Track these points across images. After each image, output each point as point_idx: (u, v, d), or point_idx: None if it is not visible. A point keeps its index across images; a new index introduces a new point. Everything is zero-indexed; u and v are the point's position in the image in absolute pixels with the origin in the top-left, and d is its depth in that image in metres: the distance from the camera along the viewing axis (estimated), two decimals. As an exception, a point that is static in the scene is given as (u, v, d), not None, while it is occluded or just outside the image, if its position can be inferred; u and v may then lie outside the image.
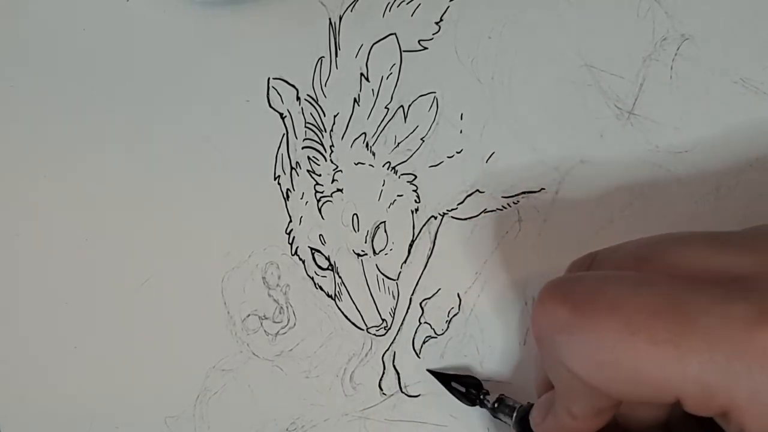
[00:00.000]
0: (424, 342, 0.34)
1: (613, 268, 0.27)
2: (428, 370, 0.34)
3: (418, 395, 0.34)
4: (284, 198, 0.35)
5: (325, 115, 0.35)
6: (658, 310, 0.23)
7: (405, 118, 0.35)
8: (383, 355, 0.34)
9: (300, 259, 0.35)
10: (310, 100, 0.35)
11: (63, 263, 0.37)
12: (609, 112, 0.34)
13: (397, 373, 0.34)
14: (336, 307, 0.35)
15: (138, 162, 0.36)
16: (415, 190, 0.35)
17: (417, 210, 0.35)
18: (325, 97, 0.35)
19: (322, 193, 0.35)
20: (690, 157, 0.33)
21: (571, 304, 0.24)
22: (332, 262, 0.35)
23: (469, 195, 0.34)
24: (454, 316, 0.34)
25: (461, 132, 0.34)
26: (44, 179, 0.37)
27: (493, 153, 0.34)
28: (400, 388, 0.34)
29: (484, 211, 0.34)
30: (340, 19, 0.36)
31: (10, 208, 0.37)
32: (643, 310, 0.23)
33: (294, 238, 0.35)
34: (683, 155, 0.33)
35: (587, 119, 0.34)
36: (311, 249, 0.35)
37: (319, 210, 0.35)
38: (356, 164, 0.35)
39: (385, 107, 0.35)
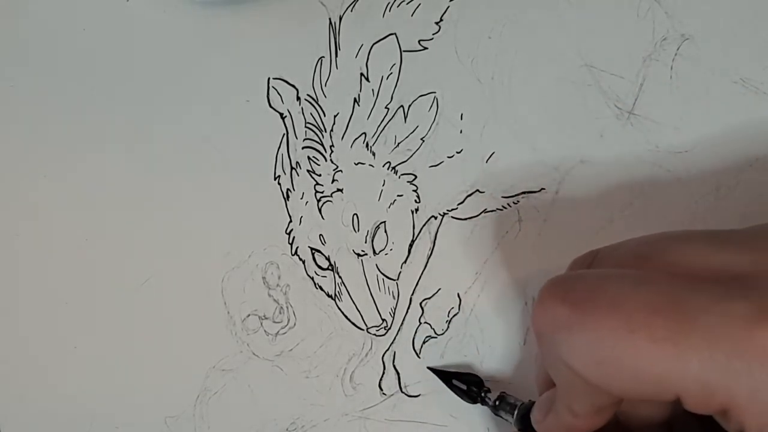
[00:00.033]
0: (424, 342, 0.34)
1: (614, 266, 0.27)
2: (429, 368, 0.34)
3: (418, 395, 0.34)
4: (284, 198, 0.35)
5: (325, 115, 0.35)
6: (658, 308, 0.23)
7: (405, 118, 0.35)
8: (383, 355, 0.34)
9: (300, 259, 0.35)
10: (310, 100, 0.35)
11: (63, 263, 0.37)
12: (609, 112, 0.34)
13: (397, 373, 0.34)
14: (336, 307, 0.35)
15: (138, 162, 0.36)
16: (415, 190, 0.35)
17: (417, 210, 0.35)
18: (325, 97, 0.35)
19: (322, 193, 0.35)
20: (690, 157, 0.33)
21: (571, 301, 0.24)
22: (332, 262, 0.35)
23: (469, 195, 0.34)
24: (454, 316, 0.34)
25: (461, 132, 0.34)
26: (44, 179, 0.37)
27: (493, 153, 0.34)
28: (400, 388, 0.34)
29: (484, 211, 0.34)
30: (340, 19, 0.36)
31: (10, 208, 0.37)
32: (643, 308, 0.23)
33: (294, 238, 0.35)
34: (683, 155, 0.33)
35: (587, 119, 0.34)
36: (311, 249, 0.35)
37: (319, 210, 0.35)
38: (356, 164, 0.35)
39: (385, 107, 0.35)
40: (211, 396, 0.35)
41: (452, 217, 0.34)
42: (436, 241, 0.34)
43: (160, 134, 0.36)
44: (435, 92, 0.35)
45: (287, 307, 0.35)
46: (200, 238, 0.36)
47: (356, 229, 0.35)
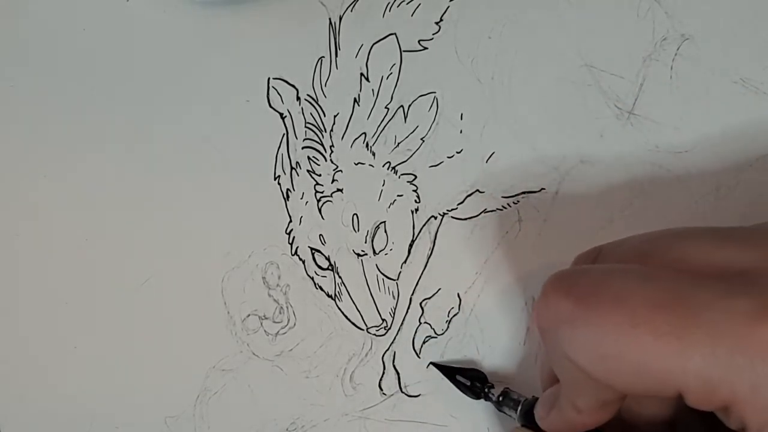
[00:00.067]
0: (424, 342, 0.34)
1: (618, 262, 0.27)
2: (433, 364, 0.34)
3: (418, 395, 0.34)
4: (284, 198, 0.35)
5: (325, 115, 0.35)
6: (662, 304, 0.23)
7: (405, 118, 0.35)
8: (383, 355, 0.34)
9: (300, 259, 0.35)
10: (310, 100, 0.35)
11: (63, 263, 0.37)
12: (609, 112, 0.34)
13: (397, 373, 0.34)
14: (336, 307, 0.35)
15: (138, 162, 0.36)
16: (415, 190, 0.35)
17: (417, 210, 0.35)
18: (325, 97, 0.35)
19: (322, 193, 0.35)
20: (690, 157, 0.33)
21: (575, 296, 0.24)
22: (332, 262, 0.35)
23: (469, 195, 0.34)
24: (454, 316, 0.34)
25: (461, 132, 0.34)
26: (44, 179, 0.37)
27: (493, 153, 0.34)
28: (400, 388, 0.34)
29: (484, 211, 0.34)
30: (340, 19, 0.36)
31: (10, 208, 0.37)
32: (647, 304, 0.23)
33: (294, 238, 0.35)
34: (683, 155, 0.33)
35: (587, 119, 0.34)
36: (311, 249, 0.35)
37: (319, 210, 0.35)
38: (356, 164, 0.35)
39: (385, 107, 0.35)
40: (211, 396, 0.35)
41: (452, 217, 0.34)
42: (436, 241, 0.34)
43: (160, 134, 0.36)
44: (435, 92, 0.35)
45: (287, 307, 0.35)
46: (200, 238, 0.36)
47: (356, 229, 0.35)
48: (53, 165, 0.37)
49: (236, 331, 0.35)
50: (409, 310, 0.34)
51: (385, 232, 0.35)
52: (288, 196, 0.35)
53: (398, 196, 0.35)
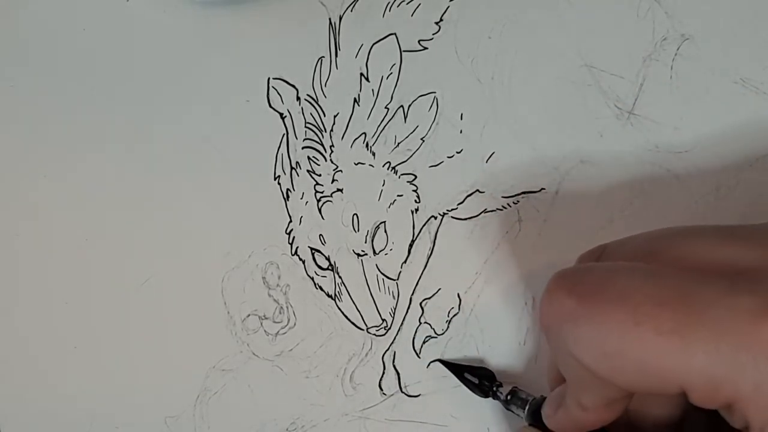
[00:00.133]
0: (424, 342, 0.34)
1: (622, 260, 0.27)
2: (441, 361, 0.34)
3: (418, 395, 0.34)
4: (284, 198, 0.35)
5: (325, 115, 0.35)
6: (665, 301, 0.23)
7: (405, 118, 0.35)
8: (383, 355, 0.34)
9: (300, 259, 0.35)
10: (310, 100, 0.35)
11: (63, 263, 0.37)
12: (609, 112, 0.34)
13: (397, 373, 0.34)
14: (336, 307, 0.35)
15: (138, 162, 0.36)
16: (415, 190, 0.35)
17: (417, 210, 0.35)
18: (325, 97, 0.35)
19: (322, 193, 0.35)
20: (690, 157, 0.33)
21: (578, 294, 0.24)
22: (332, 262, 0.35)
23: (469, 195, 0.34)
24: (454, 316, 0.34)
25: (461, 132, 0.34)
26: (44, 179, 0.37)
27: (493, 153, 0.34)
28: (400, 388, 0.34)
29: (484, 211, 0.34)
30: (340, 19, 0.36)
31: (10, 208, 0.37)
32: (650, 301, 0.23)
33: (294, 238, 0.35)
34: (683, 155, 0.33)
35: (587, 119, 0.34)
36: (311, 249, 0.35)
37: (319, 210, 0.35)
38: (356, 164, 0.35)
39: (385, 107, 0.35)
40: (211, 396, 0.35)
41: (452, 217, 0.34)
42: (436, 241, 0.34)
43: (160, 134, 0.36)
44: (435, 92, 0.35)
45: (287, 307, 0.35)
46: (200, 238, 0.36)
47: (356, 229, 0.35)
48: (53, 165, 0.37)
49: (236, 331, 0.35)
50: (409, 310, 0.34)
51: (385, 232, 0.35)
52: (288, 196, 0.35)
53: (398, 196, 0.35)
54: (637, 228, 0.29)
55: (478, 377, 0.33)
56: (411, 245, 0.35)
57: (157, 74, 0.37)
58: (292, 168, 0.35)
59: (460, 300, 0.34)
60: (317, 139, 0.35)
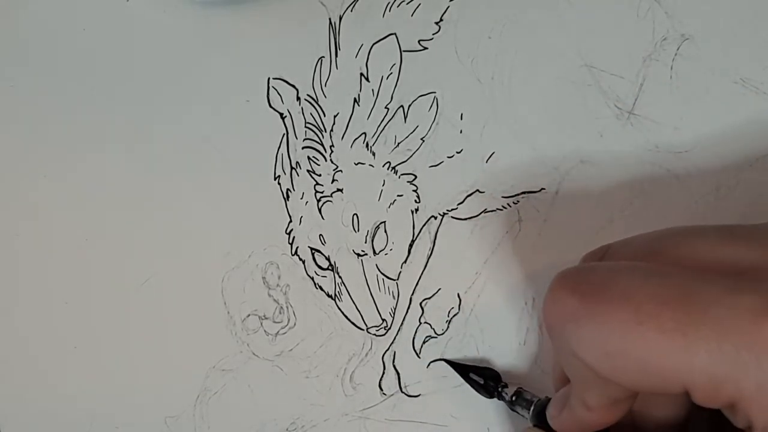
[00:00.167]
0: (424, 342, 0.34)
1: (625, 260, 0.27)
2: (446, 361, 0.34)
3: (418, 395, 0.34)
4: (284, 198, 0.35)
5: (325, 115, 0.35)
6: (668, 300, 0.23)
7: (405, 118, 0.35)
8: (383, 355, 0.34)
9: (300, 259, 0.35)
10: (310, 100, 0.35)
11: (63, 263, 0.37)
12: (609, 112, 0.34)
13: (397, 373, 0.34)
14: (336, 307, 0.35)
15: (138, 162, 0.36)
16: (415, 190, 0.35)
17: (417, 210, 0.35)
18: (325, 97, 0.35)
19: (322, 193, 0.35)
20: (690, 157, 0.33)
21: (581, 293, 0.24)
22: (332, 262, 0.35)
23: (469, 195, 0.34)
24: (454, 316, 0.34)
25: (461, 132, 0.34)
26: (44, 179, 0.37)
27: (493, 153, 0.34)
28: (400, 388, 0.34)
29: (484, 211, 0.34)
30: (340, 19, 0.36)
31: (10, 208, 0.37)
32: (653, 300, 0.23)
33: (294, 238, 0.35)
34: (683, 155, 0.33)
35: (587, 119, 0.34)
36: (311, 249, 0.35)
37: (319, 210, 0.35)
38: (356, 164, 0.35)
39: (385, 107, 0.35)
40: (211, 396, 0.35)
41: (452, 217, 0.34)
42: (436, 241, 0.34)
43: (160, 134, 0.36)
44: (435, 92, 0.35)
45: (287, 307, 0.35)
46: (200, 238, 0.36)
47: (356, 229, 0.35)
48: (53, 165, 0.37)
49: (236, 331, 0.35)
50: (409, 310, 0.34)
51: (385, 232, 0.35)
52: (288, 196, 0.35)
53: (398, 196, 0.35)
54: (637, 228, 0.29)
55: (483, 377, 0.33)
56: (411, 245, 0.35)
57: (157, 74, 0.37)
58: (292, 168, 0.36)
59: (460, 300, 0.34)
60: (317, 139, 0.35)
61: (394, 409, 0.34)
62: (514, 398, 0.31)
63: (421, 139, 0.35)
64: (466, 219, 0.34)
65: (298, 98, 0.36)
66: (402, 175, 0.35)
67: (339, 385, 0.35)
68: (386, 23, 0.35)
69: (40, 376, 0.36)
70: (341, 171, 0.35)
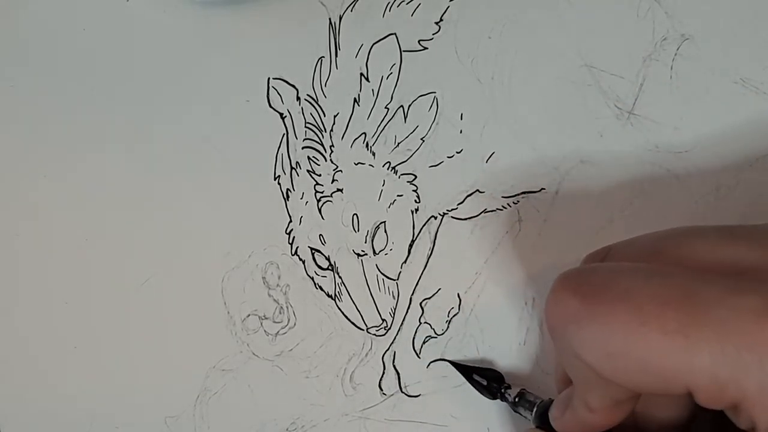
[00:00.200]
0: (424, 342, 0.34)
1: (627, 260, 0.27)
2: (450, 361, 0.34)
3: (418, 395, 0.34)
4: (284, 198, 0.35)
5: (325, 115, 0.35)
6: (670, 301, 0.22)
7: (405, 118, 0.35)
8: (383, 355, 0.34)
9: (300, 259, 0.35)
10: (310, 100, 0.35)
11: (63, 263, 0.37)
12: (609, 112, 0.34)
13: (397, 373, 0.34)
14: (336, 307, 0.35)
15: (138, 162, 0.36)
16: (415, 190, 0.35)
17: (417, 210, 0.35)
18: (325, 97, 0.35)
19: (322, 193, 0.35)
20: (690, 157, 0.33)
21: (582, 294, 0.24)
22: (332, 262, 0.35)
23: (469, 195, 0.34)
24: (454, 316, 0.34)
25: (461, 132, 0.34)
26: (44, 179, 0.37)
27: (493, 153, 0.34)
28: (400, 388, 0.34)
29: (484, 211, 0.34)
30: (340, 19, 0.36)
31: (10, 208, 0.37)
32: (655, 301, 0.23)
33: (294, 238, 0.35)
34: (683, 155, 0.33)
35: (587, 119, 0.34)
36: (311, 249, 0.35)
37: (319, 210, 0.35)
38: (356, 164, 0.35)
39: (385, 107, 0.35)
40: (211, 396, 0.35)
41: (452, 217, 0.34)
42: (436, 241, 0.34)
43: (160, 134, 0.36)
44: (435, 92, 0.35)
45: (287, 307, 0.35)
46: (200, 238, 0.36)
47: (356, 229, 0.35)
48: (53, 165, 0.37)
49: (236, 331, 0.35)
50: (409, 310, 0.34)
51: (385, 232, 0.35)
52: (288, 196, 0.35)
53: (398, 196, 0.35)
54: (638, 228, 0.29)
55: (486, 379, 0.33)
56: (411, 245, 0.35)
57: (157, 74, 0.37)
58: (292, 168, 0.36)
59: (460, 300, 0.34)
60: (317, 139, 0.35)
61: (394, 409, 0.34)
62: (517, 399, 0.31)
63: (421, 139, 0.35)
64: (466, 219, 0.34)
65: (298, 98, 0.36)
66: (402, 175, 0.35)
67: (339, 385, 0.35)
68: (386, 23, 0.35)
69: (40, 376, 0.36)
70: (341, 171, 0.35)
